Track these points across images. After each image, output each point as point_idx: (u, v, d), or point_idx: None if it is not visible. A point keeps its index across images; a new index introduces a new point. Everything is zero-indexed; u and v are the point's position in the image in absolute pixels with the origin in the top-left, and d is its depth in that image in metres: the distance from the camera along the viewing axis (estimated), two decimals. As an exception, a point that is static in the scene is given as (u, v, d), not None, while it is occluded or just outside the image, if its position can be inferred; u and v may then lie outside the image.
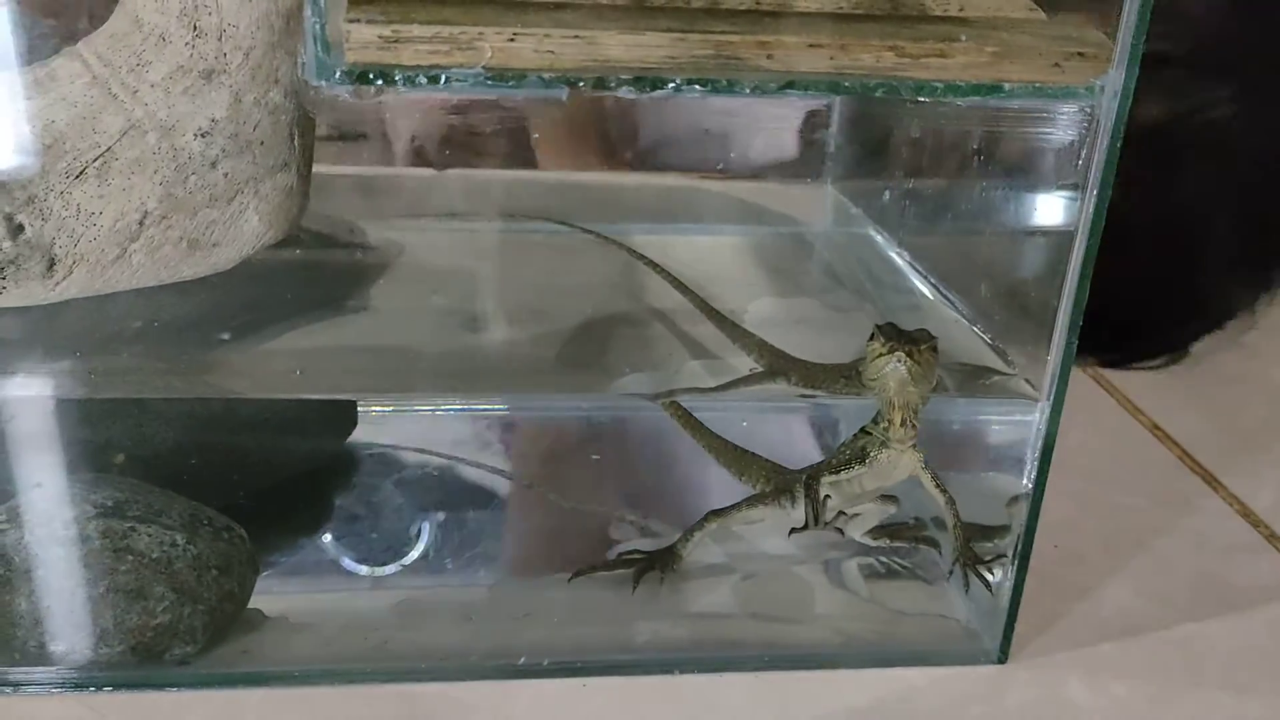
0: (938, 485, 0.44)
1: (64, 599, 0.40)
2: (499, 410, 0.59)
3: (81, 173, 0.37)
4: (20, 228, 0.38)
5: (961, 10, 0.37)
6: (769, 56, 0.33)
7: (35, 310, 0.40)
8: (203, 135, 0.38)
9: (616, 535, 0.51)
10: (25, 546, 0.40)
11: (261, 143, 0.38)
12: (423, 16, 0.33)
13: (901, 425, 0.42)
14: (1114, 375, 0.72)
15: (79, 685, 0.40)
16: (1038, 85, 0.35)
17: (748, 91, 0.33)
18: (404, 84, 0.33)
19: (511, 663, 0.43)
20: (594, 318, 0.53)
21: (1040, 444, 0.42)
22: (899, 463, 0.43)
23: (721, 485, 0.51)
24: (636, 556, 0.47)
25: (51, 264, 0.38)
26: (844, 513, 0.46)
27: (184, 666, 0.41)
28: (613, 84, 0.33)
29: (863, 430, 0.44)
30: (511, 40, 0.32)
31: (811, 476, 0.45)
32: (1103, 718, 0.42)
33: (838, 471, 0.44)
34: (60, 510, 0.41)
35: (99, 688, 0.40)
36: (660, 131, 0.63)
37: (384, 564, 0.48)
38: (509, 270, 0.58)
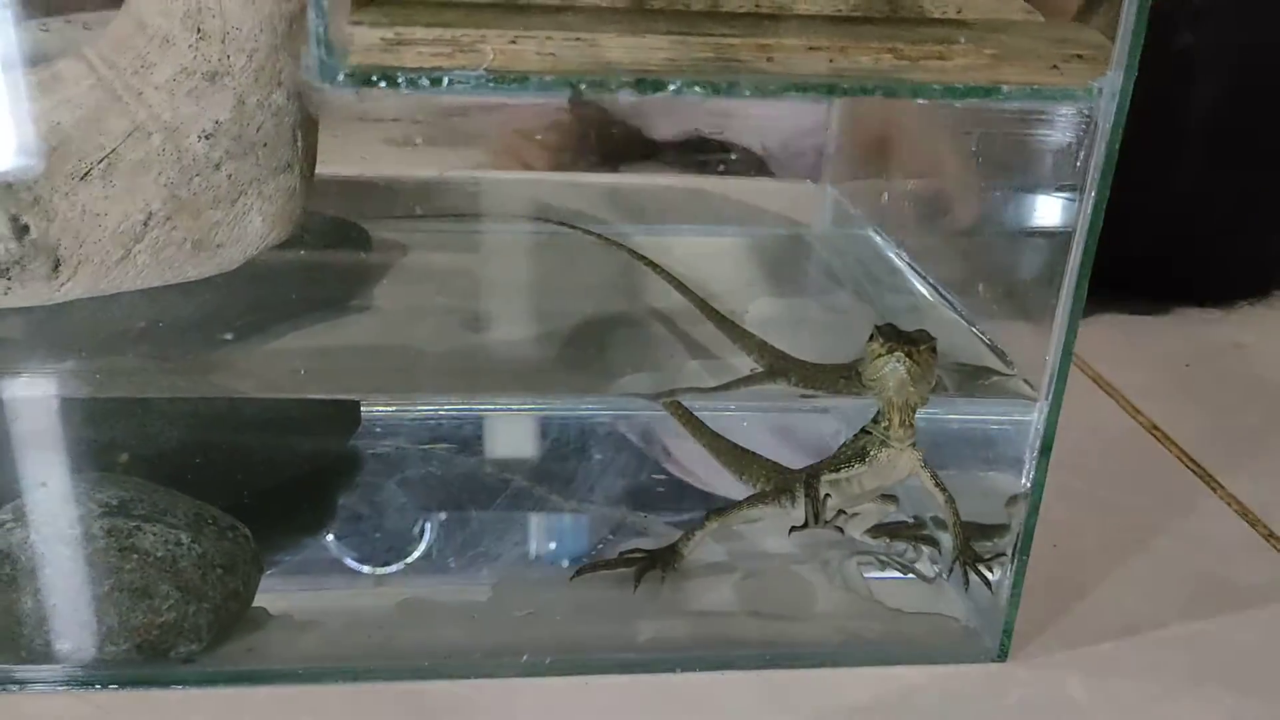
0: (937, 484, 0.44)
1: (69, 597, 0.40)
2: (501, 410, 0.60)
3: (86, 174, 0.38)
4: (26, 228, 0.38)
5: (960, 13, 0.37)
6: (769, 59, 0.34)
7: (40, 310, 0.40)
8: (206, 137, 0.38)
9: (618, 534, 0.51)
10: (31, 545, 0.40)
11: (265, 144, 0.39)
12: (425, 19, 0.33)
13: (901, 425, 0.42)
14: (1114, 376, 0.72)
15: (84, 683, 0.41)
16: (1036, 87, 0.35)
17: (747, 94, 0.34)
18: (406, 86, 0.33)
19: (514, 661, 0.43)
20: (595, 318, 0.53)
21: (1039, 443, 0.42)
22: (899, 462, 0.43)
23: (723, 484, 0.51)
24: (638, 555, 0.47)
25: (57, 264, 0.38)
26: (844, 512, 0.46)
27: (189, 665, 0.41)
28: (614, 86, 0.33)
29: (863, 430, 0.44)
30: (513, 43, 0.33)
31: (811, 476, 0.45)
32: (1102, 716, 0.42)
33: (837, 470, 0.44)
34: (65, 509, 0.41)
35: (104, 686, 0.41)
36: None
37: (387, 563, 0.49)
38: (511, 271, 0.58)
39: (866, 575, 0.49)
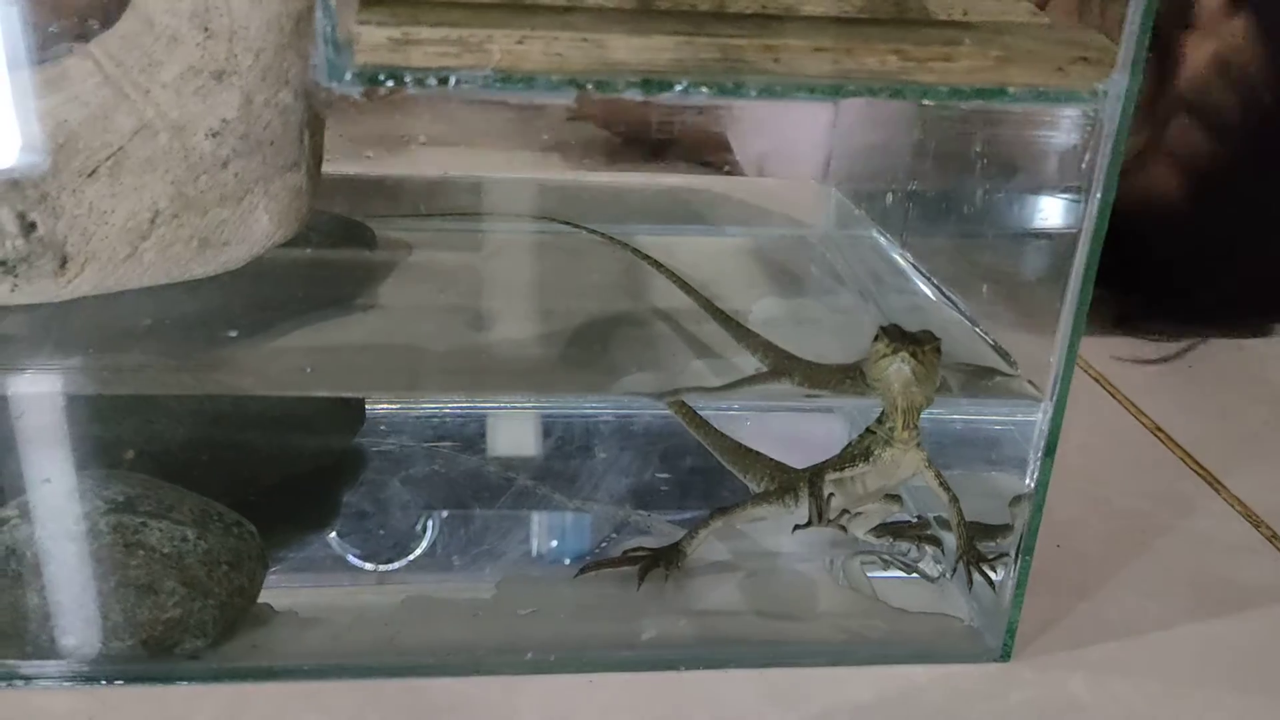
0: (941, 484, 0.44)
1: (75, 593, 0.40)
2: (506, 408, 0.60)
3: (94, 171, 0.38)
4: (33, 225, 0.38)
5: (965, 14, 0.37)
6: (775, 60, 0.34)
7: (46, 307, 0.40)
8: (213, 135, 0.38)
9: (621, 533, 0.51)
10: (37, 541, 0.40)
11: (271, 143, 0.39)
12: (432, 19, 0.33)
13: (905, 425, 0.42)
14: (1117, 377, 0.72)
15: (90, 679, 0.41)
16: (1041, 89, 0.35)
17: (753, 94, 0.34)
18: (413, 85, 0.33)
19: (518, 658, 0.43)
20: (600, 317, 0.53)
21: (1043, 443, 0.42)
22: (903, 461, 0.43)
23: (727, 483, 0.51)
24: (642, 554, 0.47)
25: (64, 261, 0.39)
26: (848, 511, 0.46)
27: (194, 660, 0.41)
28: (620, 87, 0.33)
29: (867, 430, 0.44)
30: (520, 43, 0.33)
31: (815, 474, 0.45)
32: (1105, 716, 0.42)
33: (842, 470, 0.44)
34: (72, 505, 0.41)
35: (110, 681, 0.41)
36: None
37: (391, 560, 0.49)
38: (516, 270, 0.58)
39: (870, 574, 0.49)
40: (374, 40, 0.32)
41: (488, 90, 0.33)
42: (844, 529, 0.48)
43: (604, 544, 0.51)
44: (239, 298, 0.44)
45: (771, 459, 0.50)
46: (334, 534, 0.50)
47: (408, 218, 0.59)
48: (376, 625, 0.44)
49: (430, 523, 0.51)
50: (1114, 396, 0.70)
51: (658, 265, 0.55)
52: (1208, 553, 0.54)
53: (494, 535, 0.51)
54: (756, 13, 0.36)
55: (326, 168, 0.43)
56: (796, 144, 0.65)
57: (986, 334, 0.49)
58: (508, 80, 0.33)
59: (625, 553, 0.48)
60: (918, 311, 0.54)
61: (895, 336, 0.40)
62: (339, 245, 0.52)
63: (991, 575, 0.45)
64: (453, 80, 0.33)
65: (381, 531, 0.50)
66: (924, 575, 0.50)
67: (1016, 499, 0.44)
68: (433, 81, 0.33)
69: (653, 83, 0.33)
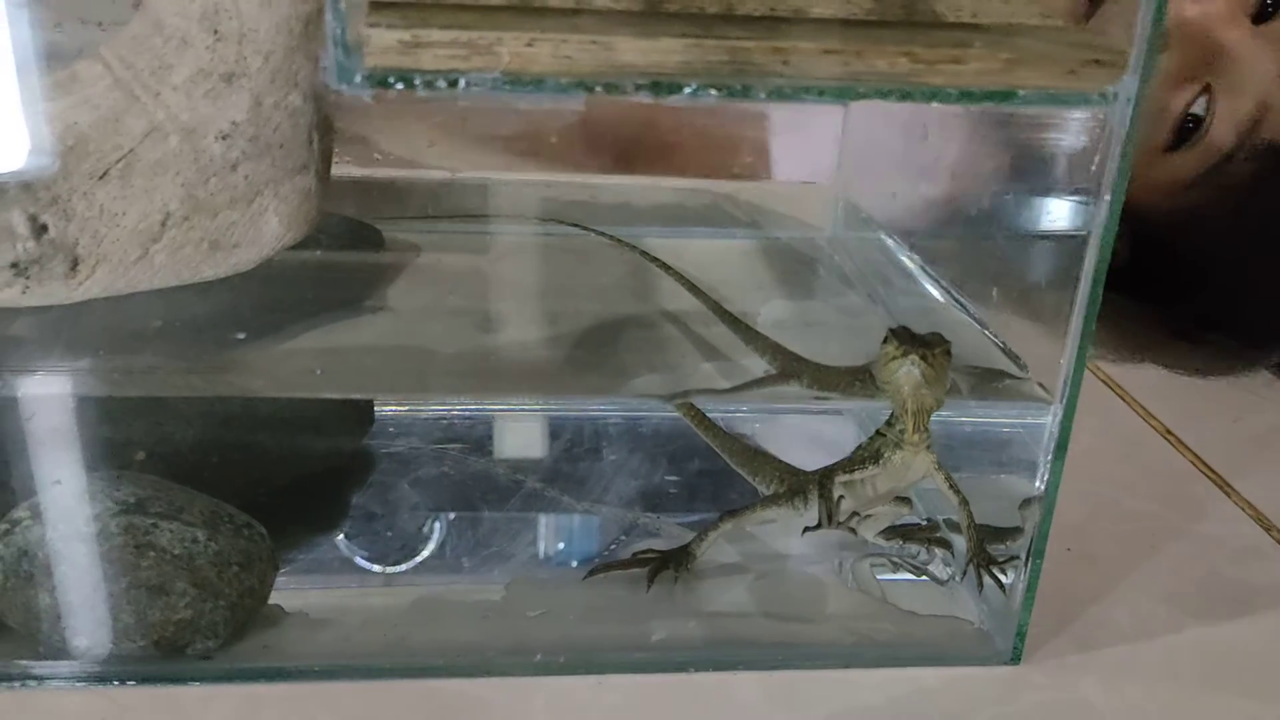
0: (951, 486, 0.44)
1: (86, 594, 0.41)
2: (514, 410, 0.60)
3: (105, 174, 0.38)
4: (44, 228, 0.38)
5: (975, 16, 0.37)
6: (784, 62, 0.34)
7: (57, 309, 0.40)
8: (223, 138, 0.38)
9: (631, 535, 0.51)
10: (48, 543, 0.41)
11: (281, 145, 0.39)
12: (441, 21, 0.33)
13: (915, 428, 0.42)
14: (1125, 380, 0.72)
15: (102, 679, 0.41)
16: (1051, 91, 0.35)
17: (762, 97, 0.34)
18: (423, 88, 0.33)
19: (528, 659, 0.43)
20: (608, 319, 0.53)
21: (1053, 446, 0.42)
22: (913, 464, 0.43)
23: (736, 486, 0.51)
24: (651, 556, 0.47)
25: (75, 264, 0.39)
26: (857, 513, 0.46)
27: (205, 661, 0.42)
28: (629, 89, 0.33)
29: (877, 432, 0.44)
30: (529, 45, 0.33)
31: (825, 477, 0.45)
32: (1115, 720, 0.42)
33: (852, 472, 0.44)
34: (83, 507, 0.41)
35: (121, 682, 0.41)
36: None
37: (401, 561, 0.49)
38: (524, 272, 0.58)
39: (880, 577, 0.49)
40: (384, 43, 0.32)
41: (496, 93, 0.33)
42: (854, 531, 0.48)
43: (613, 546, 0.51)
44: (248, 300, 0.44)
45: (781, 461, 0.50)
46: (343, 535, 0.50)
47: (415, 220, 0.59)
48: (386, 626, 0.44)
49: (439, 524, 0.51)
50: (1123, 399, 0.69)
51: (666, 268, 0.55)
52: (1218, 556, 0.53)
53: (503, 537, 0.51)
54: (765, 15, 0.36)
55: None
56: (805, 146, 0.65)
57: (996, 336, 0.48)
58: (517, 83, 0.33)
59: (634, 555, 0.48)
60: (926, 314, 0.54)
61: (905, 339, 0.40)
62: (348, 247, 0.53)
63: (1002, 578, 0.44)
64: (462, 83, 0.33)
65: (390, 533, 0.50)
66: (933, 578, 0.49)
67: (1027, 502, 0.44)
68: (442, 84, 0.33)
69: (662, 85, 0.33)
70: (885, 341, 0.41)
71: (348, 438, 0.54)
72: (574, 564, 0.51)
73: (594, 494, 0.54)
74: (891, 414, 0.43)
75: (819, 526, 0.45)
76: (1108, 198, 0.37)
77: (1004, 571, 0.45)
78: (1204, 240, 0.69)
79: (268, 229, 0.40)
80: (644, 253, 0.56)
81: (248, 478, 0.48)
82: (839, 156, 0.63)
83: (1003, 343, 0.48)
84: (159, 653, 0.41)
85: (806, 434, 0.59)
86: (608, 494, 0.54)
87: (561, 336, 0.51)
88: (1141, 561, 0.52)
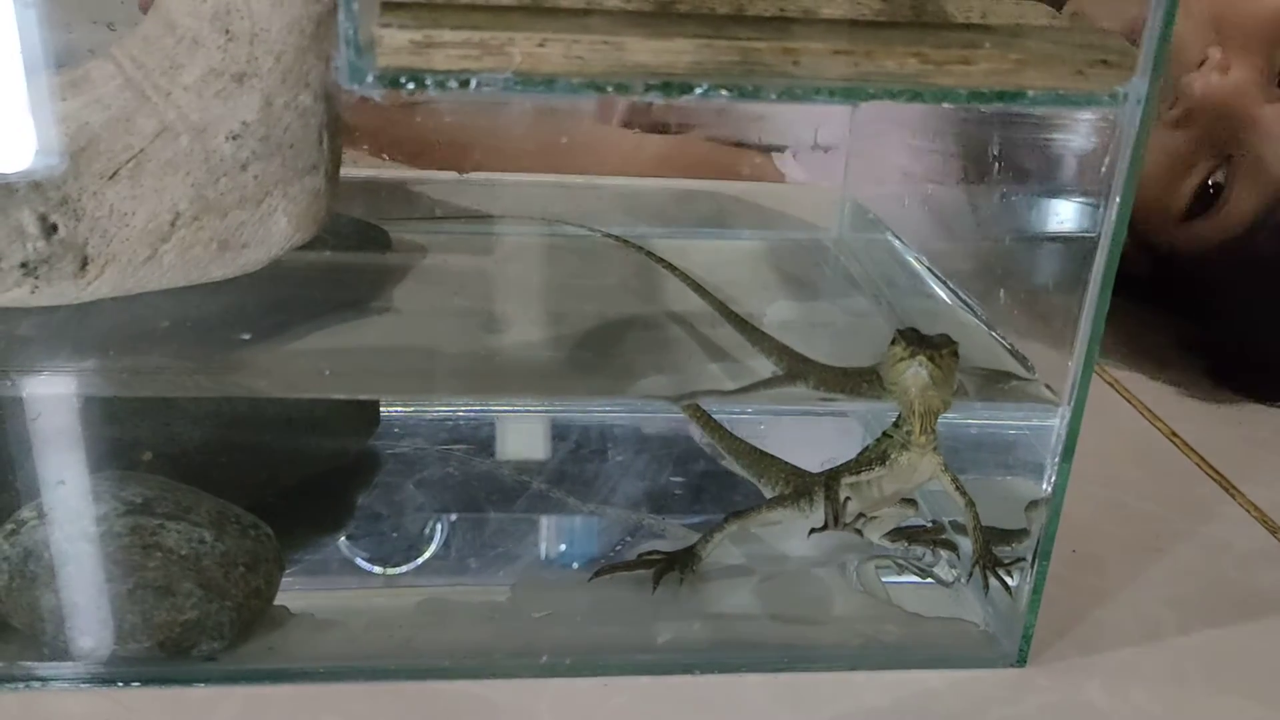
0: (958, 488, 0.44)
1: (93, 595, 0.41)
2: (520, 411, 0.60)
3: (115, 174, 0.38)
4: (54, 227, 0.38)
5: (984, 17, 0.37)
6: (795, 63, 0.34)
7: (65, 309, 0.40)
8: (234, 138, 0.38)
9: (636, 536, 0.51)
10: (54, 543, 0.41)
11: (291, 145, 0.39)
12: (453, 22, 0.33)
13: (922, 430, 0.42)
14: (1130, 382, 0.72)
15: (107, 680, 0.41)
16: (1061, 92, 0.35)
17: (773, 97, 0.34)
18: (435, 88, 0.33)
19: (534, 661, 0.43)
20: (614, 320, 0.53)
21: (1061, 448, 0.42)
22: (919, 465, 0.43)
23: (741, 487, 0.51)
24: (656, 557, 0.47)
25: (84, 263, 0.39)
26: (863, 515, 0.46)
27: (211, 662, 0.42)
28: (640, 89, 0.33)
29: (884, 434, 0.44)
30: (541, 45, 0.33)
31: (831, 478, 0.45)
32: (1121, 722, 0.42)
33: (858, 474, 0.44)
34: (89, 507, 0.41)
35: (127, 683, 0.41)
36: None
37: (407, 563, 0.49)
38: (530, 273, 0.58)
39: (885, 579, 0.49)
40: (396, 43, 0.32)
41: (508, 93, 0.33)
42: (859, 533, 0.48)
43: (619, 548, 0.51)
44: (257, 300, 0.44)
45: (787, 463, 0.50)
46: (349, 537, 0.50)
47: (422, 220, 0.59)
48: (392, 628, 0.44)
49: (444, 526, 0.51)
50: (1129, 401, 0.69)
51: (672, 268, 0.55)
52: (1224, 558, 0.53)
53: (508, 538, 0.51)
54: (775, 16, 0.36)
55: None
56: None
57: (1004, 338, 0.49)
58: (528, 83, 0.33)
59: (640, 556, 0.48)
60: (933, 315, 0.54)
61: (912, 340, 0.40)
62: (354, 248, 0.53)
63: (1008, 580, 0.44)
64: (473, 83, 0.33)
65: (396, 534, 0.50)
66: (939, 580, 0.49)
67: (1033, 504, 0.44)
68: (454, 84, 0.33)
69: (673, 85, 0.33)
70: (893, 343, 0.41)
71: (354, 439, 0.54)
72: (579, 565, 0.51)
73: (599, 495, 0.54)
74: (898, 415, 0.43)
75: (825, 528, 0.45)
76: (1117, 199, 0.37)
77: (1010, 574, 0.45)
78: (1230, 307, 0.68)
79: (277, 229, 0.40)
80: (650, 253, 0.56)
81: (254, 478, 0.48)
82: (846, 158, 0.63)
83: (1010, 344, 0.48)
84: (164, 654, 0.41)
85: (813, 435, 0.59)
86: (613, 495, 0.54)
87: (567, 337, 0.51)
88: (1147, 564, 0.52)
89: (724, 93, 0.33)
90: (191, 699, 0.41)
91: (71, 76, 0.38)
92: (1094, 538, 0.54)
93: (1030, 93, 0.35)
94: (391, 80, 0.33)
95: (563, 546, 0.52)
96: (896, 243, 0.60)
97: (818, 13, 0.36)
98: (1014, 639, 0.45)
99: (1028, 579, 0.44)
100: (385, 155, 0.57)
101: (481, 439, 0.58)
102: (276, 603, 0.44)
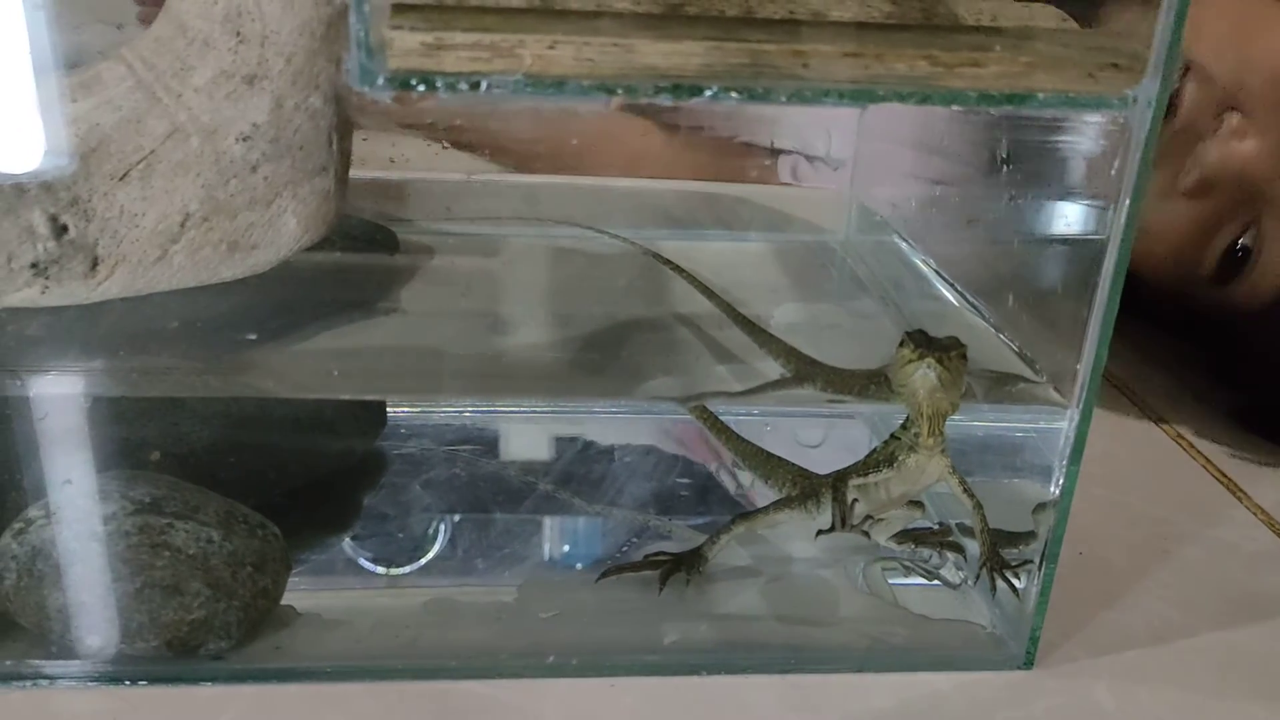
0: (965, 490, 0.44)
1: (101, 594, 0.41)
2: (526, 413, 0.60)
3: (125, 175, 0.38)
4: (64, 228, 0.38)
5: (994, 20, 0.37)
6: (804, 65, 0.34)
7: (75, 309, 0.41)
8: (244, 139, 0.38)
9: (643, 537, 0.51)
10: (63, 542, 0.41)
11: (301, 147, 0.39)
12: (464, 24, 0.33)
13: (930, 431, 0.42)
14: (1137, 384, 0.72)
15: (114, 679, 0.41)
16: (1071, 95, 0.35)
17: (783, 99, 0.34)
18: (445, 90, 0.33)
19: (540, 662, 0.43)
20: (621, 322, 0.53)
21: (1069, 450, 0.42)
22: (927, 467, 0.43)
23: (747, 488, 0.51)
24: (663, 558, 0.47)
25: (94, 264, 0.39)
26: (871, 517, 0.46)
27: (218, 662, 0.42)
28: (650, 91, 0.33)
29: (892, 436, 0.44)
30: (551, 48, 0.33)
31: (839, 480, 0.45)
32: (1128, 725, 0.42)
33: (865, 475, 0.44)
34: (98, 506, 0.41)
35: (134, 682, 0.41)
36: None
37: (413, 563, 0.49)
38: (537, 274, 0.58)
39: (892, 581, 0.49)
40: (407, 45, 0.32)
41: (518, 95, 0.33)
42: (866, 535, 0.48)
43: (625, 548, 0.51)
44: (265, 301, 0.44)
45: (794, 464, 0.50)
46: (356, 537, 0.50)
47: (429, 222, 0.59)
48: (399, 628, 0.44)
49: (451, 526, 0.51)
50: (1136, 405, 0.69)
51: (679, 270, 0.55)
52: (1231, 561, 0.53)
53: (515, 539, 0.51)
54: (785, 18, 0.36)
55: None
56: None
57: (1011, 341, 0.48)
58: (538, 85, 0.33)
59: (647, 557, 0.48)
60: (940, 317, 0.54)
61: (920, 342, 0.40)
62: (362, 249, 0.53)
63: (1015, 582, 0.44)
64: (484, 85, 0.33)
65: (403, 534, 0.50)
66: (946, 582, 0.49)
67: (1040, 506, 0.44)
68: (464, 86, 0.33)
69: (682, 88, 0.33)
70: (901, 345, 0.41)
71: (361, 439, 0.54)
72: (586, 566, 0.51)
73: (606, 496, 0.54)
74: (906, 417, 0.43)
75: (832, 530, 0.45)
76: (1127, 201, 0.37)
77: (1017, 576, 0.45)
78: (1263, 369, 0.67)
79: (286, 230, 0.40)
80: (657, 255, 0.57)
81: (262, 478, 0.48)
82: (853, 160, 0.63)
83: (1018, 347, 0.48)
84: (172, 653, 0.41)
85: (820, 437, 0.59)
86: (620, 496, 0.54)
87: (574, 339, 0.51)
88: (1154, 566, 0.52)
89: (734, 95, 0.33)
90: (198, 698, 0.41)
91: (82, 78, 0.38)
92: (1101, 540, 0.54)
93: (1040, 95, 0.35)
94: (402, 82, 0.33)
95: (569, 547, 0.52)
96: (904, 245, 0.60)
97: (827, 15, 0.36)
98: (1021, 641, 0.45)
99: (1035, 581, 0.44)
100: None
101: (488, 440, 0.58)
102: (283, 602, 0.44)
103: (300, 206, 0.40)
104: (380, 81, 0.33)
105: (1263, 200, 0.60)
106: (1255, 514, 0.58)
